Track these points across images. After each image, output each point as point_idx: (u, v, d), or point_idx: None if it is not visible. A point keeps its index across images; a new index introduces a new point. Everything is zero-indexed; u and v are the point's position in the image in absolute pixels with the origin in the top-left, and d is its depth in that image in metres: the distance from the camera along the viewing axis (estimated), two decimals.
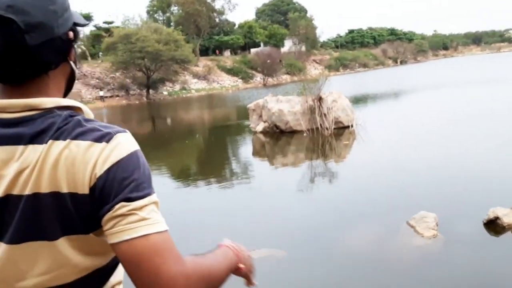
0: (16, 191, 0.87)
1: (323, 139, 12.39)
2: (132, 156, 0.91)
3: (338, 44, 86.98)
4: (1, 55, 0.87)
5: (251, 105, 14.78)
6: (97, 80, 42.52)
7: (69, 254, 0.91)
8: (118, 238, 0.86)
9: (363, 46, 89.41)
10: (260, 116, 14.41)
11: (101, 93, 40.63)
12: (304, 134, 12.84)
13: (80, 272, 0.94)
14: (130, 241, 0.85)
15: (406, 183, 7.35)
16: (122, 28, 47.27)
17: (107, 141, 0.89)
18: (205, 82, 51.38)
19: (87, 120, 0.93)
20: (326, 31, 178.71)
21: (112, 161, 0.88)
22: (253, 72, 57.42)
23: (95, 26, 53.77)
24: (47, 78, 0.95)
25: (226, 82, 53.80)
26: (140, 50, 40.24)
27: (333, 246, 5.07)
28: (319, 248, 5.05)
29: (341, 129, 13.19)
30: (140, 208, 0.87)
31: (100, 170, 0.87)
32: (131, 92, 43.19)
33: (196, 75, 50.71)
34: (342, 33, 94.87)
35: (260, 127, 14.25)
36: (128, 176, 0.88)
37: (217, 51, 64.61)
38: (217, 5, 63.49)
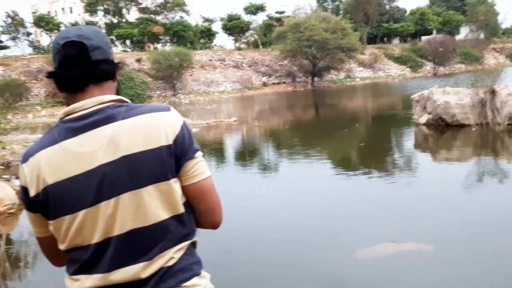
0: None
1: (493, 135, 11.53)
2: (184, 122, 1.34)
3: None
4: (74, 66, 1.27)
5: (415, 96, 14.37)
6: (267, 67, 44.95)
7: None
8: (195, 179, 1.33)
9: None
10: (425, 107, 13.94)
11: (264, 80, 42.89)
12: (473, 129, 12.10)
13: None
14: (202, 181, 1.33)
15: None
16: (293, 18, 48.90)
17: (169, 111, 1.32)
18: (370, 71, 50.43)
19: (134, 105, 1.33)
20: (510, 16, 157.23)
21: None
22: (423, 60, 54.29)
23: (267, 16, 56.60)
24: (104, 88, 1.33)
25: (392, 71, 51.99)
26: (308, 38, 41.29)
27: (486, 249, 4.94)
28: (471, 249, 4.96)
29: None
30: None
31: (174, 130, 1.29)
32: (297, 79, 44.67)
33: (361, 63, 50.06)
34: None
35: (423, 119, 13.80)
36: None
37: (385, 39, 62.59)
38: None
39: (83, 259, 1.28)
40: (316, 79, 44.71)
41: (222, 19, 52.10)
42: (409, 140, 13.02)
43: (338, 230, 5.75)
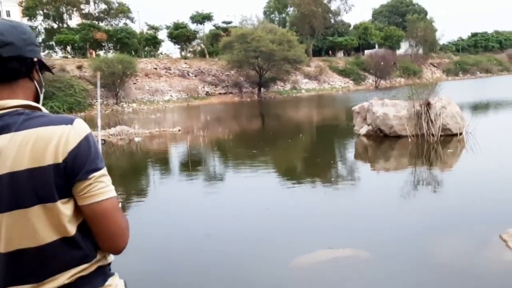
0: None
1: (428, 145, 12.00)
2: (89, 136, 1.26)
3: (459, 47, 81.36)
4: None
5: (355, 108, 14.76)
6: (213, 77, 44.85)
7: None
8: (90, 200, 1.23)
9: (487, 51, 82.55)
10: (365, 119, 14.34)
11: (209, 90, 42.81)
12: (409, 140, 12.56)
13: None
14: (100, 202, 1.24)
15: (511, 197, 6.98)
16: (239, 28, 49.24)
17: (71, 124, 1.24)
18: (315, 83, 51.54)
19: (42, 113, 1.27)
20: (447, 33, 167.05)
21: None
22: (366, 74, 56.23)
23: (214, 25, 56.62)
24: (15, 87, 1.27)
25: (337, 83, 53.41)
26: (254, 49, 41.64)
27: (419, 253, 5.08)
28: (405, 254, 5.08)
29: (449, 137, 12.64)
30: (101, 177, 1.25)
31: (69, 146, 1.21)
32: (244, 90, 44.86)
33: (307, 75, 51.07)
34: (465, 36, 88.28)
35: (363, 130, 14.18)
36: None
37: (330, 52, 64.32)
38: (333, 6, 63.21)
39: None
40: (262, 90, 45.10)
41: (168, 27, 51.57)
42: (349, 150, 13.32)
43: (277, 239, 5.75)
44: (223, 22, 56.98)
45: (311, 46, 57.26)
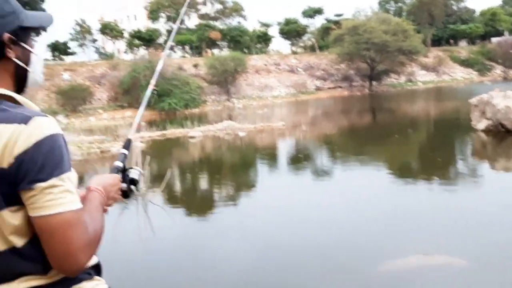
0: None
1: None
2: (47, 139, 1.08)
3: None
4: None
5: (473, 100, 13.39)
6: (322, 72, 44.27)
7: None
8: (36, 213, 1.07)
9: None
10: (483, 112, 12.94)
11: (318, 84, 42.29)
12: None
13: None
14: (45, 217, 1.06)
15: None
16: (351, 20, 47.91)
17: (26, 123, 1.07)
18: (433, 74, 48.26)
19: (10, 105, 1.12)
20: None
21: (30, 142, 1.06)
22: (492, 64, 51.23)
23: (325, 19, 55.79)
24: None
25: (458, 75, 49.44)
26: (366, 41, 40.19)
27: None
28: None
29: None
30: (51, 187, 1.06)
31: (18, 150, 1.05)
32: (354, 83, 43.62)
33: (424, 67, 48.02)
34: None
35: (482, 124, 12.81)
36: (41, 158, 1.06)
37: (451, 41, 59.75)
38: None
39: None
40: (374, 83, 43.41)
41: (279, 24, 52.00)
42: (463, 147, 12.15)
43: (372, 239, 5.43)
44: (335, 15, 55.88)
45: (429, 35, 53.70)
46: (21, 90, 1.24)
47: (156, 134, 17.99)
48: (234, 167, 11.86)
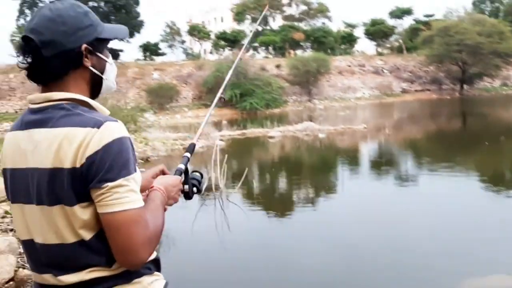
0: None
1: None
2: (115, 142, 1.18)
3: None
4: (31, 64, 1.22)
5: None
6: (409, 74, 42.55)
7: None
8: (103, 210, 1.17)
9: None
10: None
11: (405, 86, 40.60)
12: None
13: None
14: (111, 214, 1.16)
15: None
16: (442, 21, 45.57)
17: (98, 127, 1.17)
18: None
19: (84, 110, 1.23)
20: None
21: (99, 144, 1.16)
22: None
23: (414, 19, 53.56)
24: (66, 81, 1.26)
25: None
26: (458, 43, 38.02)
27: None
28: None
29: None
30: (117, 187, 1.16)
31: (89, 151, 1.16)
32: (443, 86, 41.43)
33: None
34: None
35: None
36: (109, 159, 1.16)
37: None
38: None
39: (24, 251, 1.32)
40: (465, 86, 40.94)
41: (364, 24, 50.79)
42: None
43: (456, 252, 5.13)
44: (424, 16, 53.45)
45: None
46: (96, 96, 1.36)
47: (236, 133, 18.35)
48: (312, 169, 11.76)
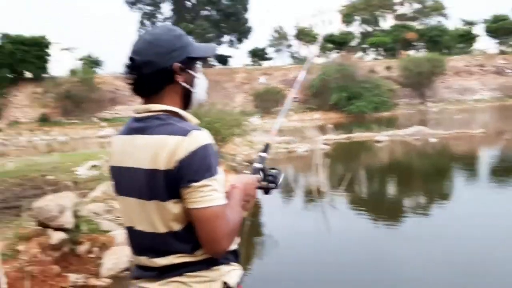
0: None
1: None
2: (200, 148, 1.37)
3: None
4: (135, 80, 1.47)
5: None
6: None
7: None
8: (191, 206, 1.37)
9: None
10: None
11: None
12: None
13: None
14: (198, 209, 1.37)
15: None
16: None
17: (186, 135, 1.37)
18: None
19: (176, 120, 1.45)
20: None
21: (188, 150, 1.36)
22: None
23: None
24: (162, 95, 1.49)
25: None
26: None
27: None
28: None
29: None
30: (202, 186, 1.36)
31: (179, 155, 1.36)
32: None
33: None
34: None
35: None
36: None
37: None
38: None
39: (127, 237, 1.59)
40: None
41: (485, 21, 46.87)
42: None
43: None
44: None
45: None
46: (187, 107, 1.56)
47: (341, 137, 18.02)
48: (420, 175, 11.13)
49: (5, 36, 35.60)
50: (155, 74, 1.46)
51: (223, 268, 1.48)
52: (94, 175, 11.18)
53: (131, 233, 1.52)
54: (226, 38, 51.54)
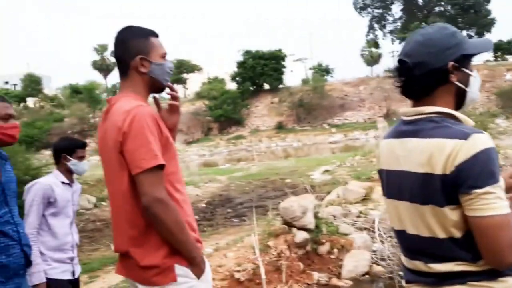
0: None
1: None
2: (482, 152, 1.29)
3: None
4: (404, 82, 1.45)
5: None
6: None
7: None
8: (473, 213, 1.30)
9: None
10: None
11: None
12: None
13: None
14: (480, 218, 1.29)
15: None
16: None
17: (465, 139, 1.30)
18: None
19: (451, 122, 1.38)
20: None
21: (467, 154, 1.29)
22: None
23: None
24: (434, 96, 1.44)
25: None
26: None
27: None
28: None
29: None
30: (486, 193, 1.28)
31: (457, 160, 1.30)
32: None
33: None
34: None
35: None
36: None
37: None
38: None
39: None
40: None
41: None
42: None
43: None
44: None
45: None
46: (459, 108, 1.49)
47: None
48: None
49: (247, 52, 40.32)
50: (427, 75, 1.42)
51: (510, 280, 1.38)
52: (327, 179, 11.62)
53: (402, 236, 1.50)
54: (463, 33, 47.50)
